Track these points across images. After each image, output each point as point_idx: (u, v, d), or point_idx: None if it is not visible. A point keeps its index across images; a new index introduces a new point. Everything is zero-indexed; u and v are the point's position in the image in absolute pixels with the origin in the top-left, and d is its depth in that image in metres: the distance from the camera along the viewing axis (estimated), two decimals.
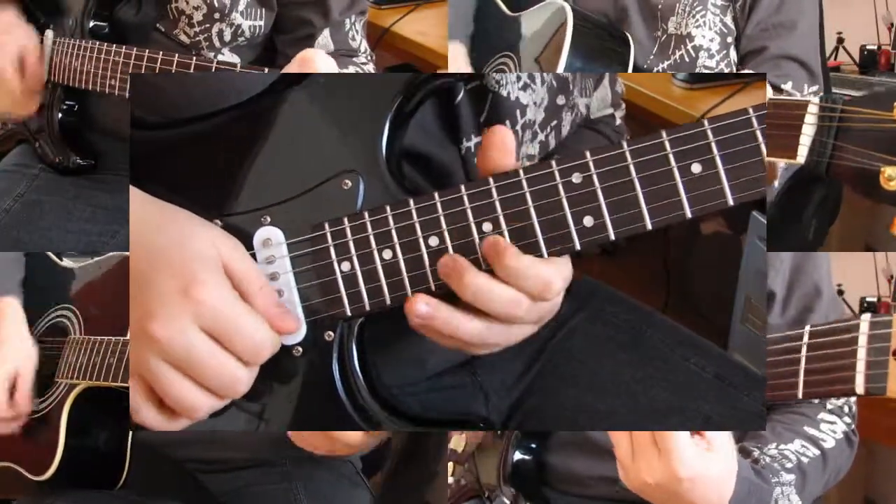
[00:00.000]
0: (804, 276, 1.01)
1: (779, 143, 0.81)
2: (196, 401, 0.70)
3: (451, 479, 1.24)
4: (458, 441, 1.25)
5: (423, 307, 0.69)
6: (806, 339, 0.63)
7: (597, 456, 1.03)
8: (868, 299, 1.92)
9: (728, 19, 1.32)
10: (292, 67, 0.86)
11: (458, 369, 0.97)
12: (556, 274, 0.69)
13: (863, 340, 0.58)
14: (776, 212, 0.92)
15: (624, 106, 1.10)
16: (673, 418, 0.91)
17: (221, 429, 0.76)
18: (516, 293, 0.68)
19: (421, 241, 0.71)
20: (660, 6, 1.34)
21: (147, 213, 0.73)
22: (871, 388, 0.58)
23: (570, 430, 1.00)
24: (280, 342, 0.72)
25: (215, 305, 0.68)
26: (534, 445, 1.08)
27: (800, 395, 0.63)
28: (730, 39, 1.33)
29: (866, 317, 0.59)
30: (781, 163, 0.86)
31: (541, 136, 0.88)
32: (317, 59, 0.85)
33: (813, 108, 0.78)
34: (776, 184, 0.91)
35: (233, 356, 0.69)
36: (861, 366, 0.58)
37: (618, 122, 1.11)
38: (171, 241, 0.70)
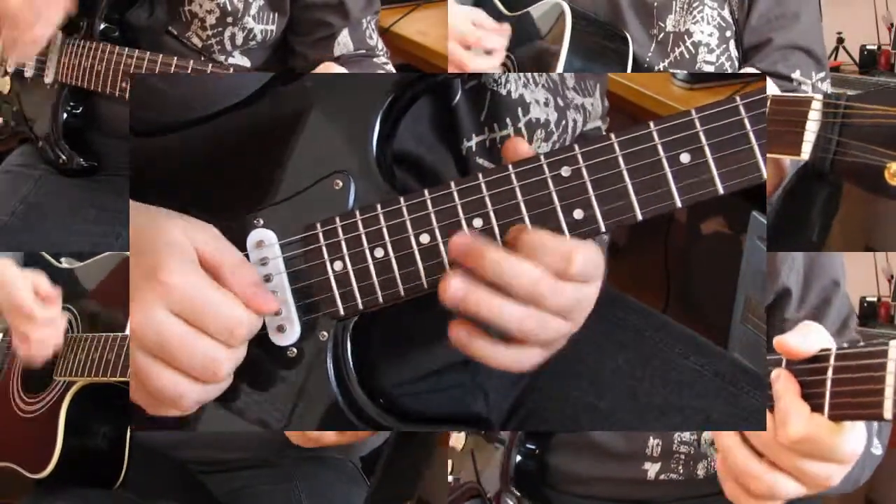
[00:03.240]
0: (820, 269, 1.01)
1: (783, 140, 0.81)
2: (177, 388, 0.68)
3: (450, 478, 1.24)
4: (457, 439, 1.25)
5: (457, 285, 0.66)
6: (832, 361, 0.62)
7: (598, 456, 1.03)
8: (868, 299, 1.91)
9: (726, 13, 1.32)
10: None
11: (457, 368, 0.96)
12: (575, 249, 0.67)
13: (891, 367, 0.58)
14: (780, 209, 0.92)
15: (608, 120, 1.10)
16: (673, 417, 0.91)
17: (219, 430, 0.76)
18: (538, 269, 0.66)
19: (412, 238, 0.71)
20: (655, 4, 1.34)
21: (135, 214, 0.73)
22: None
23: (571, 430, 1.00)
24: (260, 322, 0.72)
25: (181, 287, 0.68)
26: (535, 446, 1.08)
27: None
28: (729, 33, 1.33)
29: (895, 343, 0.58)
30: (788, 161, 0.86)
31: (554, 136, 0.88)
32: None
33: (817, 105, 0.78)
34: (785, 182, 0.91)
35: (207, 336, 0.68)
36: (889, 391, 0.57)
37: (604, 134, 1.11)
38: (144, 234, 0.70)
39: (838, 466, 0.65)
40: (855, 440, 0.63)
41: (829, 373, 0.62)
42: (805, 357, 0.64)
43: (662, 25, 1.33)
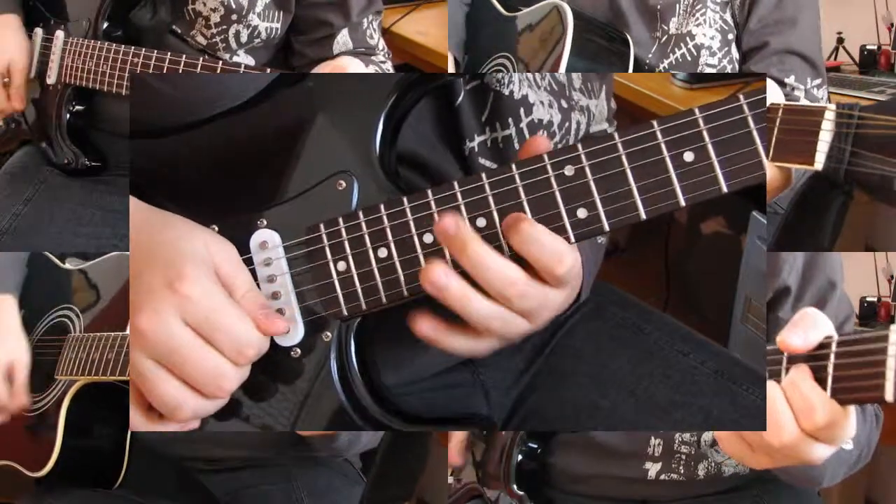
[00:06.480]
0: (818, 270, 1.02)
1: (796, 149, 0.81)
2: (178, 398, 0.69)
3: (450, 478, 1.24)
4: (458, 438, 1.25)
5: (441, 274, 0.67)
6: (834, 347, 0.63)
7: (599, 456, 1.03)
8: (868, 299, 1.91)
9: (728, 16, 1.32)
10: (324, 70, 0.85)
11: (459, 367, 0.97)
12: (567, 251, 0.67)
13: (892, 350, 0.58)
14: (792, 215, 0.92)
15: (616, 124, 1.11)
16: (674, 414, 0.91)
17: (223, 430, 0.76)
18: (517, 270, 0.67)
19: (415, 238, 0.71)
20: (659, 6, 1.34)
21: (145, 217, 0.73)
22: None
23: (572, 428, 1.00)
24: (268, 344, 0.72)
25: (199, 300, 0.68)
26: (536, 446, 1.08)
27: None
28: (730, 36, 1.33)
29: (895, 328, 0.59)
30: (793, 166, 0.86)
31: (557, 137, 0.88)
32: (351, 69, 0.85)
33: (830, 115, 0.78)
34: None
35: (216, 351, 0.69)
36: (891, 374, 0.58)
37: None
38: (165, 241, 0.71)
39: (829, 449, 0.65)
40: (854, 424, 0.64)
41: (832, 358, 0.62)
42: (805, 350, 0.64)
43: (666, 28, 1.33)
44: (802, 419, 0.63)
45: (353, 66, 0.86)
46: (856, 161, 0.76)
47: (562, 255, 0.67)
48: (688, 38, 1.32)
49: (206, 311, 0.69)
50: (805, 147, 0.80)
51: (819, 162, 0.79)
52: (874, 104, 0.77)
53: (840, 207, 0.86)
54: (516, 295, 0.67)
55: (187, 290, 0.68)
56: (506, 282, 0.67)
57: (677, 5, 1.33)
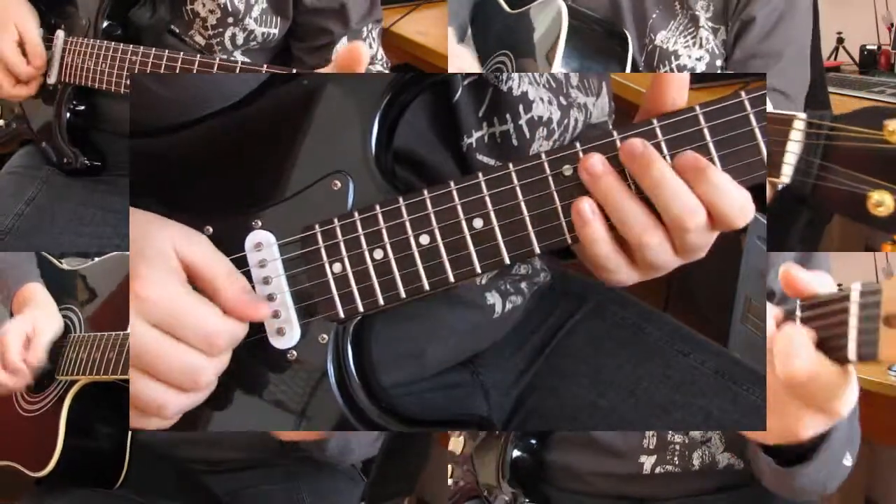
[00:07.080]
0: None
1: None
2: (159, 399, 0.69)
3: (450, 481, 1.24)
4: (456, 442, 1.25)
5: (598, 163, 0.65)
6: (798, 312, 0.62)
7: (595, 452, 1.03)
8: None
9: (719, 42, 1.32)
10: (342, 54, 0.85)
11: (458, 367, 0.96)
12: (750, 203, 0.64)
13: (854, 309, 0.58)
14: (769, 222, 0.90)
15: (614, 117, 1.11)
16: (674, 414, 0.91)
17: (219, 430, 0.76)
18: (697, 203, 0.63)
19: (412, 239, 0.70)
20: (653, 17, 1.34)
21: (132, 220, 0.73)
22: (863, 353, 0.57)
23: (572, 428, 1.00)
24: (243, 330, 0.72)
25: (158, 299, 0.68)
26: (533, 443, 1.08)
27: None
28: (719, 62, 1.33)
29: (856, 286, 0.58)
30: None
31: (556, 135, 0.88)
32: (364, 52, 0.84)
33: (799, 125, 0.73)
34: None
35: (186, 346, 0.69)
36: (853, 333, 0.58)
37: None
38: (135, 243, 0.71)
39: (825, 418, 0.63)
40: (853, 394, 0.62)
41: (797, 323, 0.62)
42: (804, 292, 0.63)
43: (653, 37, 1.33)
44: (784, 363, 0.60)
45: (366, 52, 0.85)
46: (824, 175, 0.72)
47: (745, 206, 0.64)
48: (672, 57, 1.32)
49: (167, 309, 0.68)
50: (772, 158, 0.77)
51: (786, 175, 0.74)
52: (847, 113, 0.72)
53: (808, 223, 0.84)
54: (693, 226, 0.64)
55: (145, 292, 0.68)
56: (687, 209, 0.64)
57: (671, 21, 1.32)
